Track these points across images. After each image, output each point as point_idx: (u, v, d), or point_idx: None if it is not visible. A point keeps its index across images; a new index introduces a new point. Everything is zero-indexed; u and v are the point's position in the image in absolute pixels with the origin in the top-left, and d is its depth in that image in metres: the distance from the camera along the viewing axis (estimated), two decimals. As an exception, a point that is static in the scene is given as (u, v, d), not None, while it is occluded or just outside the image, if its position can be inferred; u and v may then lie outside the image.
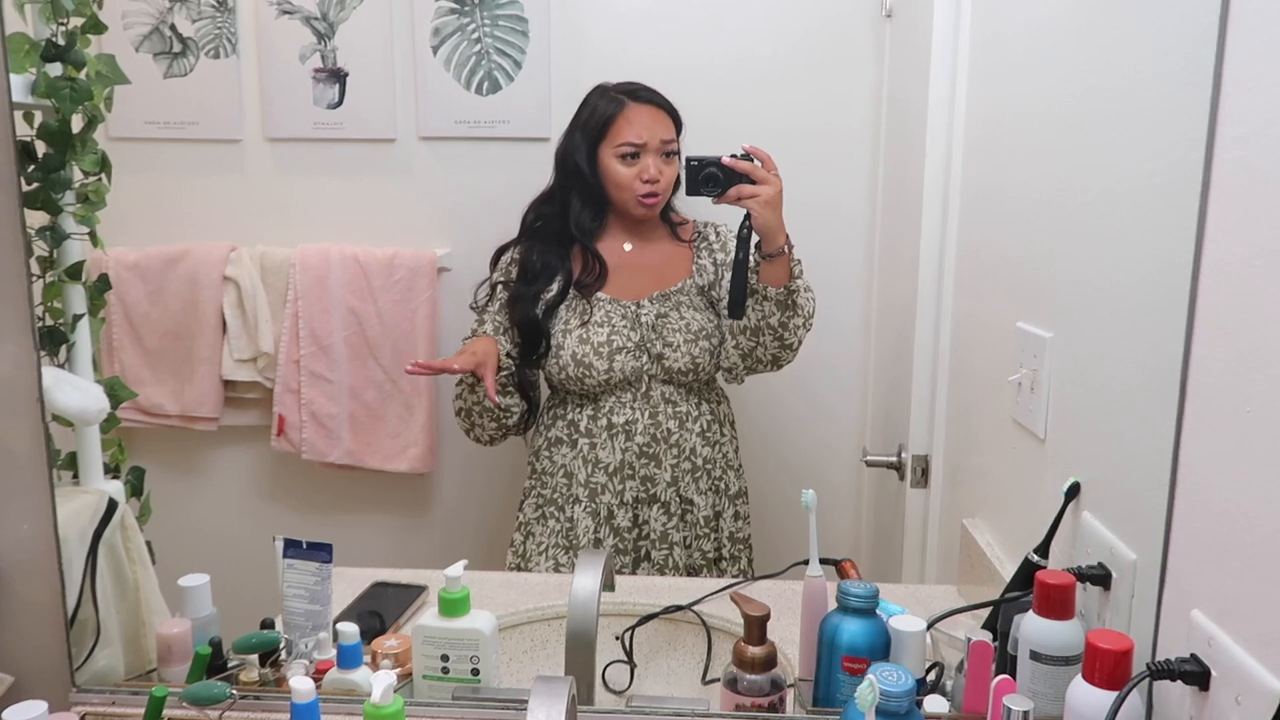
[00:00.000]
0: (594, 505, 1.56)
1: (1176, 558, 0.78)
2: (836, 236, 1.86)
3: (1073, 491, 0.96)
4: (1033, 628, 0.85)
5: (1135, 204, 0.87)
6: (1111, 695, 0.73)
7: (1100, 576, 0.88)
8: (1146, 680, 0.73)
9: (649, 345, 1.55)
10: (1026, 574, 0.96)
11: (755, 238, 1.42)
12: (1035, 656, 0.84)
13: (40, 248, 1.02)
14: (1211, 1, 0.71)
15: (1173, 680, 0.72)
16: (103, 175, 1.05)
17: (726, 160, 1.38)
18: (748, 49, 1.84)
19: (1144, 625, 0.81)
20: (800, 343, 1.52)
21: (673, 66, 1.74)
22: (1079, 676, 0.77)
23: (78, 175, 1.04)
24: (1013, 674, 0.87)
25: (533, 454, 1.64)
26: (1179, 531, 0.77)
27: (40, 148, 1.01)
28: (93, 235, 1.06)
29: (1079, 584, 0.88)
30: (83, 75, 1.01)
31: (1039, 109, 1.10)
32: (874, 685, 0.66)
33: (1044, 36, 1.09)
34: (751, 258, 1.43)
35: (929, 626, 0.94)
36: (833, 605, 0.96)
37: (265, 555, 1.08)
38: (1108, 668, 0.74)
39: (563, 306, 1.58)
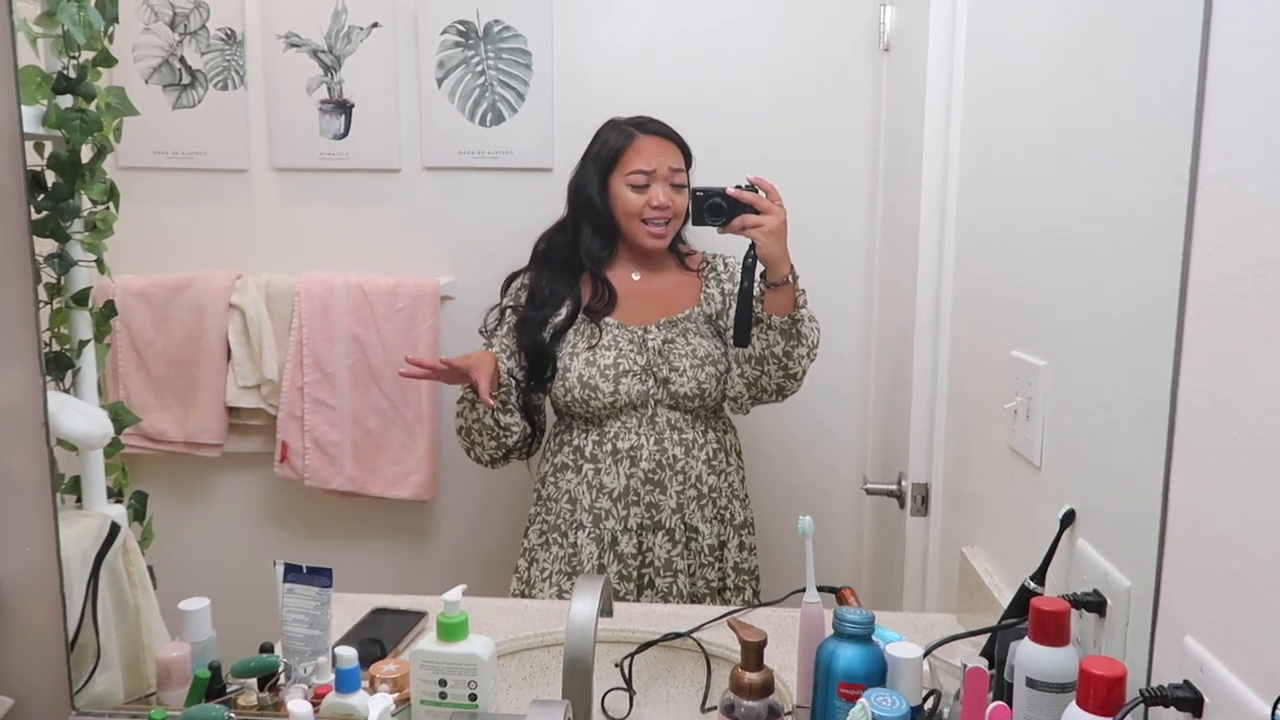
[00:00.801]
0: (598, 531, 1.56)
1: (1169, 585, 0.78)
2: (836, 267, 1.88)
3: (1068, 519, 0.96)
4: (1028, 654, 0.85)
5: (1123, 235, 0.88)
6: (1105, 722, 0.73)
7: (1095, 603, 0.89)
8: (1140, 707, 0.73)
9: (655, 369, 1.56)
10: (1023, 601, 0.96)
11: (760, 267, 1.44)
12: (1031, 683, 0.84)
13: (48, 274, 1.04)
14: (1192, 42, 0.73)
15: (1166, 707, 0.72)
16: (110, 204, 1.07)
17: (731, 191, 1.40)
18: (748, 82, 1.87)
19: (1138, 652, 0.81)
20: (804, 372, 1.52)
21: (674, 100, 1.77)
22: (1073, 703, 0.77)
23: (86, 204, 1.06)
24: (1009, 701, 0.87)
25: (539, 481, 1.65)
26: (1171, 558, 0.78)
27: (50, 177, 1.03)
28: (100, 263, 1.08)
29: (1075, 611, 0.88)
30: (93, 107, 1.03)
31: (1030, 142, 1.12)
32: (866, 709, 0.66)
33: (1034, 72, 1.11)
34: (756, 286, 1.45)
35: (926, 653, 0.94)
36: (830, 632, 0.96)
37: (267, 580, 1.08)
38: (1101, 694, 0.74)
39: (570, 331, 1.59)
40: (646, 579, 1.57)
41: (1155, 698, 0.72)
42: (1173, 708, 0.71)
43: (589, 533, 1.57)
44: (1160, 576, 0.79)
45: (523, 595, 1.61)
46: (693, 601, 1.57)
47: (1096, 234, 0.94)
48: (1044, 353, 1.06)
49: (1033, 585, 0.97)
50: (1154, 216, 0.81)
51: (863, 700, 0.68)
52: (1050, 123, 1.06)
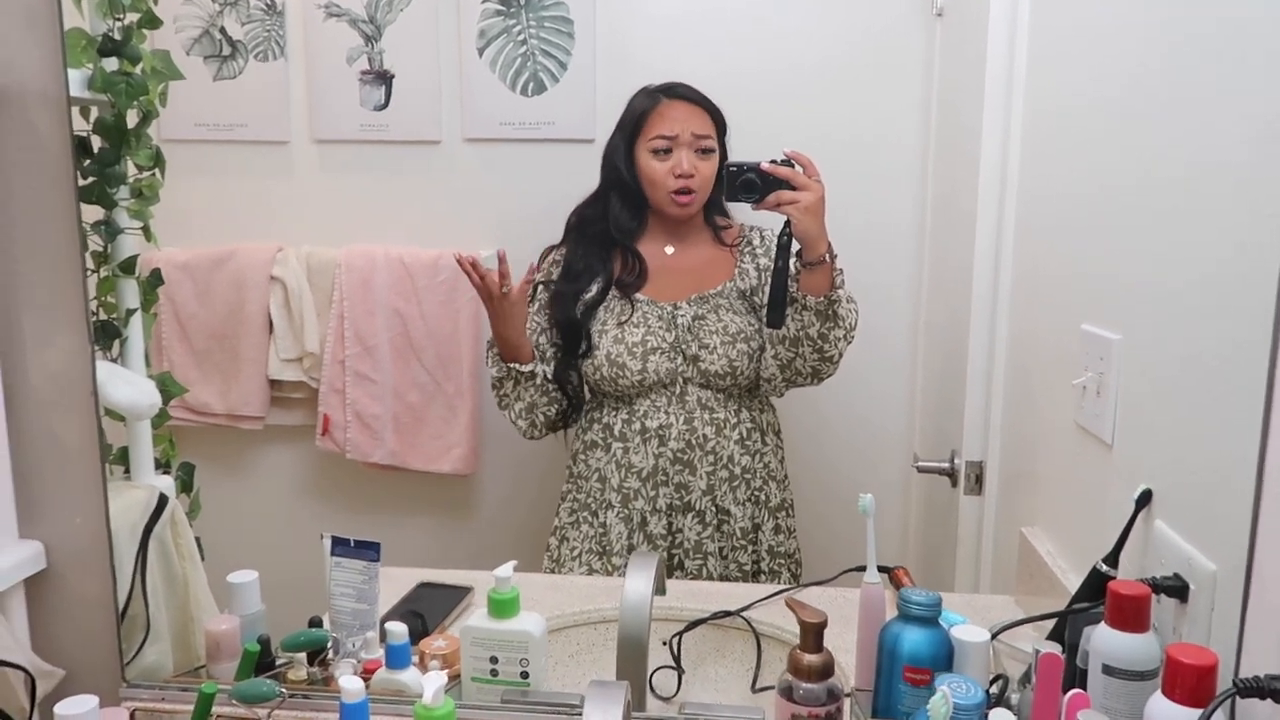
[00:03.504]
0: (627, 511, 1.54)
1: (1262, 568, 0.74)
2: (884, 242, 1.83)
3: (1144, 499, 0.92)
4: (1105, 640, 0.81)
5: (1211, 193, 0.83)
6: (1194, 713, 0.69)
7: (1176, 588, 0.84)
8: (1232, 698, 0.69)
9: (684, 346, 1.53)
10: (1095, 585, 0.92)
11: (796, 245, 1.39)
12: (1108, 670, 0.81)
13: (95, 242, 1.03)
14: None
15: (1262, 698, 0.68)
16: (156, 170, 1.06)
17: (765, 166, 1.34)
18: (794, 51, 1.81)
19: (1225, 639, 0.77)
20: (841, 355, 1.48)
21: (718, 70, 1.72)
22: (1158, 693, 0.73)
23: (132, 170, 1.05)
24: (1081, 688, 0.83)
25: (570, 458, 1.63)
26: (1265, 541, 0.73)
27: (96, 142, 1.01)
28: (146, 230, 1.06)
29: (1153, 595, 0.84)
30: (138, 70, 1.01)
31: (1103, 96, 1.06)
32: (947, 698, 0.63)
33: (1110, 18, 1.05)
34: (792, 265, 1.40)
35: (993, 637, 0.91)
36: (891, 613, 0.93)
37: (310, 553, 1.07)
38: (1190, 684, 0.70)
39: (601, 307, 1.56)
40: (676, 560, 1.54)
41: (1250, 688, 0.68)
42: (1269, 700, 0.68)
43: (618, 512, 1.54)
44: (1252, 561, 0.74)
45: (552, 573, 1.60)
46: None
47: (1179, 194, 0.88)
48: (1118, 326, 1.01)
49: (1105, 568, 0.93)
50: (1248, 167, 0.75)
51: (943, 688, 0.65)
52: (1125, 69, 1.00)
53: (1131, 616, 0.81)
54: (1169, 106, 0.91)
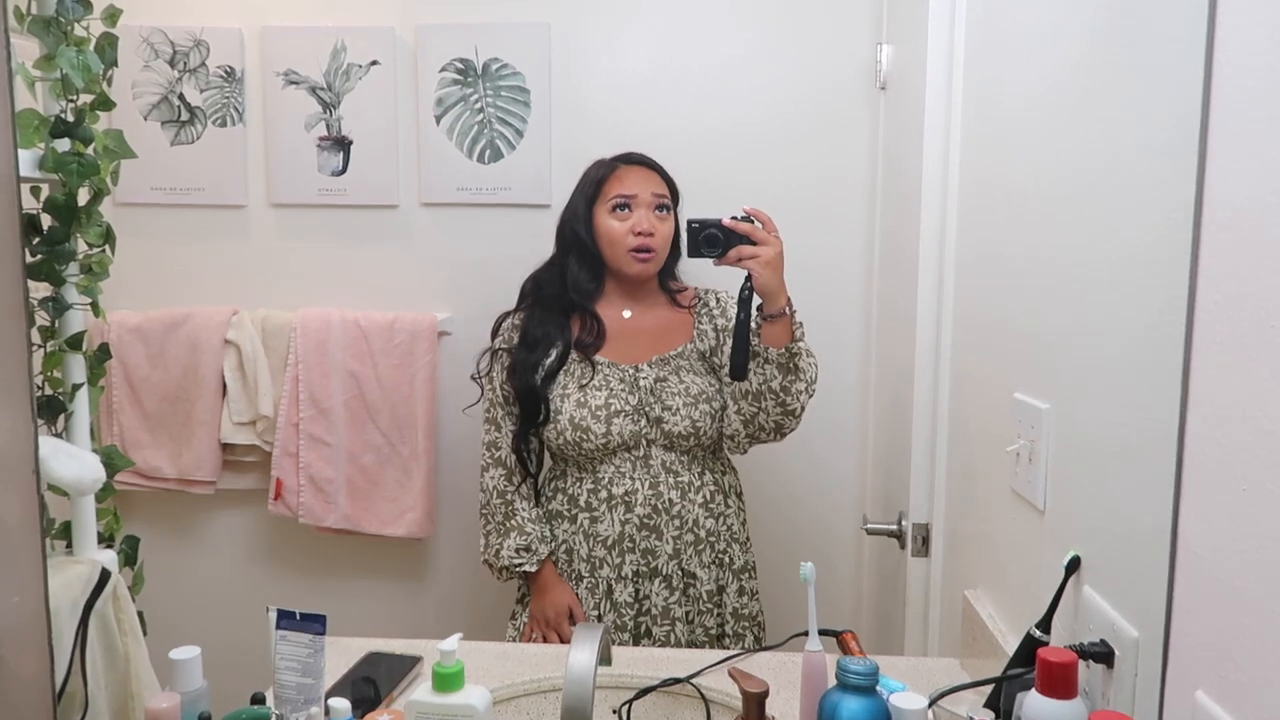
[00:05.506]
0: (593, 580, 1.54)
1: (1179, 637, 0.76)
2: (834, 306, 1.87)
3: (1073, 565, 0.95)
4: (1035, 707, 0.83)
5: (1126, 276, 0.87)
6: (1116, 780, 0.71)
7: (1103, 654, 0.87)
8: (1151, 764, 0.71)
9: (647, 409, 1.54)
10: (1028, 650, 0.94)
11: (757, 299, 1.43)
12: (1039, 737, 0.83)
13: (42, 318, 1.03)
14: (1195, 73, 0.73)
15: (1178, 765, 0.70)
16: (106, 247, 1.06)
17: (727, 222, 1.39)
18: (746, 120, 1.88)
19: (1148, 706, 0.79)
20: (803, 408, 1.50)
21: (672, 140, 1.78)
22: (1083, 759, 0.75)
23: (82, 247, 1.05)
24: (1016, 754, 0.85)
25: (534, 527, 1.63)
26: (1180, 610, 0.76)
27: (46, 220, 1.02)
28: (94, 305, 1.07)
29: (1082, 661, 0.86)
30: (90, 150, 1.02)
31: (1030, 180, 1.12)
32: (873, 771, 0.65)
33: (1034, 109, 1.11)
34: (753, 319, 1.44)
35: (930, 704, 0.92)
36: (833, 681, 0.95)
37: (260, 621, 1.06)
38: (1111, 751, 0.73)
39: (562, 372, 1.57)
40: (644, 627, 1.54)
41: (1167, 756, 0.70)
42: (1185, 767, 0.70)
43: (585, 583, 1.54)
44: (1169, 628, 0.77)
45: (514, 642, 1.59)
46: (691, 649, 1.54)
47: (1099, 274, 0.93)
48: (1047, 396, 1.05)
49: (1038, 634, 0.95)
50: (1157, 256, 0.80)
51: (869, 761, 0.67)
52: (1050, 162, 1.06)
53: (1060, 683, 0.82)
54: (1090, 191, 0.96)
